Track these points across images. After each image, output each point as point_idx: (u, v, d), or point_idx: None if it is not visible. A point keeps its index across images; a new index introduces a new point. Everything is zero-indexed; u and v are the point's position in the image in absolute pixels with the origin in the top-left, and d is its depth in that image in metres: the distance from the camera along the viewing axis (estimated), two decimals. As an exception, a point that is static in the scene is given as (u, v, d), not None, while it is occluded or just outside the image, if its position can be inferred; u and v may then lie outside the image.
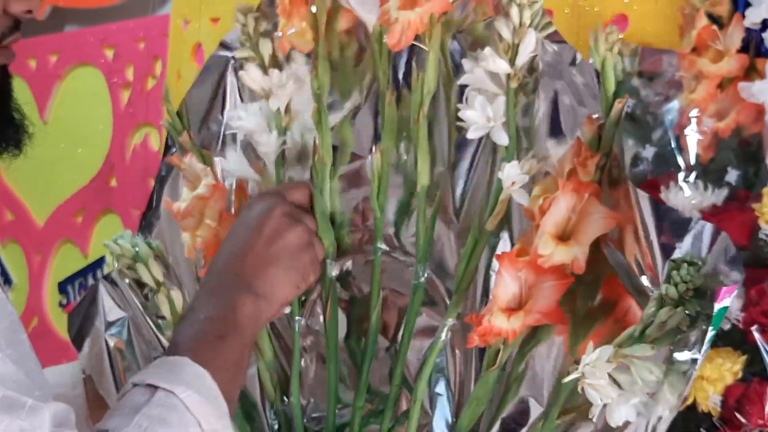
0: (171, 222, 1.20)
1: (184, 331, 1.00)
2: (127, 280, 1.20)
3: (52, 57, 2.34)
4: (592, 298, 1.01)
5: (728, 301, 0.88)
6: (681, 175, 1.25)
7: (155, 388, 0.90)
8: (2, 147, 1.10)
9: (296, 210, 1.05)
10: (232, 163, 1.09)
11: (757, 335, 1.09)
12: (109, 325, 1.26)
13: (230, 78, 1.20)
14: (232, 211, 1.14)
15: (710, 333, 0.89)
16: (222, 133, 1.20)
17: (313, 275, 1.06)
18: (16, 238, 2.46)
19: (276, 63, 1.06)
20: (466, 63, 0.99)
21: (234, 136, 1.13)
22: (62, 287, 2.33)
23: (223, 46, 1.21)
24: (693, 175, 1.25)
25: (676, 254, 0.92)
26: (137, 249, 1.14)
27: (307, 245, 1.05)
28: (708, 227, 0.92)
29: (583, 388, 0.93)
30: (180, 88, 1.44)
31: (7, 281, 2.44)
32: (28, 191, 2.44)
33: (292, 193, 1.07)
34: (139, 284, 1.18)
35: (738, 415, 1.09)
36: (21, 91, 2.23)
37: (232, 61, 1.20)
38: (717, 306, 0.88)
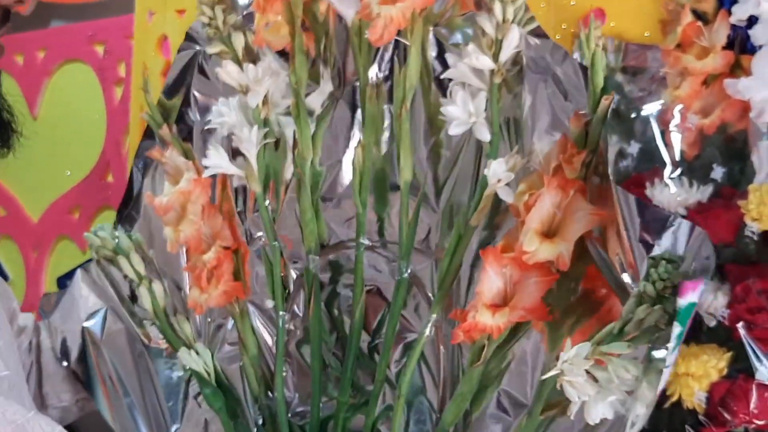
0: (152, 216, 1.18)
1: None
2: (103, 273, 1.18)
3: (39, 53, 2.30)
4: (574, 293, 0.99)
5: (694, 296, 0.86)
6: (666, 172, 1.23)
7: None
8: None
9: None
10: (213, 158, 1.06)
11: (742, 332, 1.08)
12: (88, 316, 1.25)
13: (197, 71, 1.19)
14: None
15: (677, 329, 0.87)
16: (197, 128, 1.18)
17: None
18: (10, 234, 2.43)
19: (251, 56, 1.04)
20: (449, 57, 0.97)
21: (212, 130, 1.11)
22: (61, 283, 2.28)
23: (189, 37, 1.19)
24: (678, 171, 1.22)
25: (655, 251, 0.90)
26: (117, 241, 1.11)
27: None
28: (685, 224, 0.91)
29: (561, 385, 0.91)
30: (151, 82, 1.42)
31: (3, 277, 2.41)
32: (20, 187, 2.40)
33: None
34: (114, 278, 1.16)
35: (723, 412, 1.07)
36: (9, 87, 2.20)
37: (201, 55, 1.19)
38: (681, 301, 0.86)
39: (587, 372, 0.90)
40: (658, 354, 0.89)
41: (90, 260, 1.26)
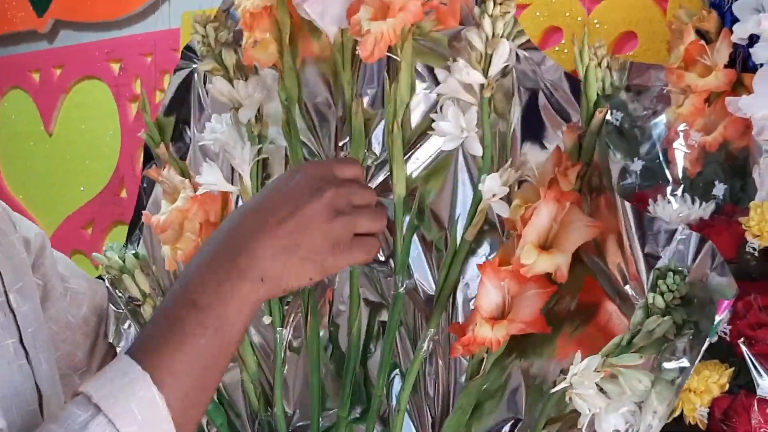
0: (153, 234, 1.16)
1: (161, 318, 0.84)
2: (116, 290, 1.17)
3: (56, 70, 2.31)
4: (572, 304, 0.97)
5: (727, 313, 0.85)
6: (669, 189, 1.21)
7: (98, 409, 0.78)
8: None
9: (338, 179, 0.87)
10: (206, 176, 1.03)
11: (743, 348, 1.06)
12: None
13: (195, 88, 1.17)
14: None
15: (705, 344, 0.86)
16: (195, 145, 1.16)
17: (342, 262, 0.87)
18: (23, 249, 2.42)
19: (242, 73, 1.01)
20: (439, 73, 0.94)
21: (206, 147, 1.09)
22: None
23: (185, 56, 1.17)
24: (680, 188, 1.21)
25: (661, 263, 0.88)
26: (124, 260, 1.10)
27: (343, 223, 0.85)
28: (694, 236, 0.88)
29: (570, 398, 0.89)
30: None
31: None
32: (34, 202, 2.40)
33: (341, 169, 0.88)
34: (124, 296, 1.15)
35: (724, 427, 1.05)
36: (24, 104, 2.19)
37: (196, 72, 1.17)
38: (718, 318, 0.85)
39: (597, 385, 0.88)
40: (668, 365, 0.87)
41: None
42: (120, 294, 1.19)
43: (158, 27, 2.09)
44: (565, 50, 1.43)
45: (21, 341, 0.97)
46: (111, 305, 1.23)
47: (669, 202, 1.20)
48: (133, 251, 1.13)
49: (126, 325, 1.24)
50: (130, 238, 1.24)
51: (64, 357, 1.21)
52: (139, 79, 2.14)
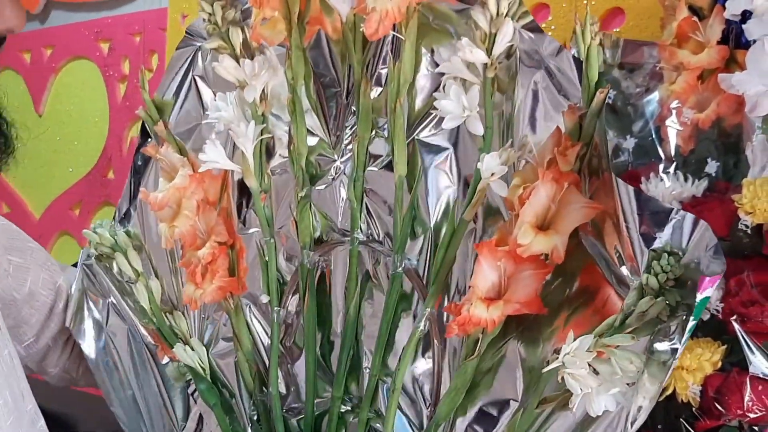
0: (148, 213, 1.15)
1: None
2: (104, 268, 1.16)
3: (46, 51, 2.29)
4: (570, 287, 0.96)
5: (710, 291, 0.84)
6: (661, 167, 1.21)
7: None
8: None
9: None
10: (209, 154, 1.02)
11: (736, 326, 1.06)
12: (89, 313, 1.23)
13: (198, 67, 1.16)
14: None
15: (691, 323, 0.84)
16: (197, 123, 1.15)
17: None
18: (12, 230, 2.41)
19: (248, 52, 1.00)
20: (443, 51, 0.93)
21: (210, 126, 1.08)
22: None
23: (189, 34, 1.16)
24: (673, 166, 1.20)
25: (657, 244, 0.87)
26: (116, 238, 1.09)
27: None
28: (688, 217, 0.87)
29: (563, 378, 0.88)
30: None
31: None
32: (24, 184, 2.39)
33: None
34: (115, 273, 1.14)
35: (717, 405, 1.05)
36: (15, 85, 2.18)
37: (200, 51, 1.16)
38: (699, 296, 0.83)
39: (589, 365, 0.87)
40: (660, 346, 0.86)
41: (90, 257, 1.24)
42: (107, 269, 1.18)
43: (147, 7, 2.07)
44: (553, 27, 1.42)
45: None
46: (80, 288, 1.23)
47: (661, 179, 1.19)
48: (124, 229, 1.12)
49: (86, 314, 1.24)
50: (119, 216, 1.23)
51: (8, 330, 1.22)
52: (128, 59, 2.13)
